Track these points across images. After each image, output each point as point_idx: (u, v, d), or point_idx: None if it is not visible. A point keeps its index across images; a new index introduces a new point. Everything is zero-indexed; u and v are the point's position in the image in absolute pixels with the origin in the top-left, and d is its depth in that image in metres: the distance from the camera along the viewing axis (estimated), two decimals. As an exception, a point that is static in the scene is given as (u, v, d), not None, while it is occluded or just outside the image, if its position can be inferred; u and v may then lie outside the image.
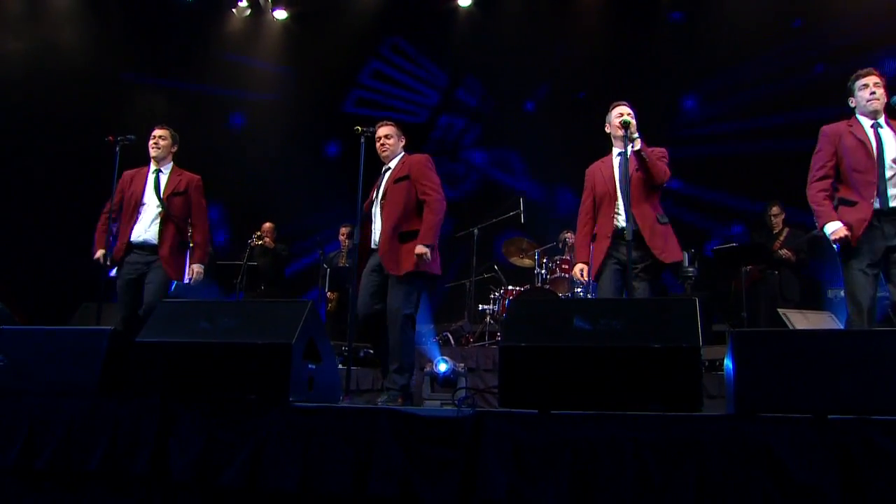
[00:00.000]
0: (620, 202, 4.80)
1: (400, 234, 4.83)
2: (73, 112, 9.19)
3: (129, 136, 5.38)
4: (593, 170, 5.09)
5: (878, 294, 4.46)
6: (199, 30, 10.46)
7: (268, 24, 10.73)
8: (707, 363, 6.52)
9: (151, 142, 5.55)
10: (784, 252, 7.52)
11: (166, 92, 10.28)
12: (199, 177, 5.65)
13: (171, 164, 5.61)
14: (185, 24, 10.30)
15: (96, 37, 9.80)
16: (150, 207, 5.42)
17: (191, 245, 5.59)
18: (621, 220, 4.80)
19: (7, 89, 9.07)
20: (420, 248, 4.72)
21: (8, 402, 3.49)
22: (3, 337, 3.75)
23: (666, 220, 4.87)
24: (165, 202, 5.41)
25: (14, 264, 8.60)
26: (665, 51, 9.53)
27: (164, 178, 5.52)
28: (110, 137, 5.31)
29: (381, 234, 4.86)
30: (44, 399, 3.44)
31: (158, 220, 5.39)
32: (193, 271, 5.49)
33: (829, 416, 2.68)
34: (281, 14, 10.63)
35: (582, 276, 5.03)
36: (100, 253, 5.44)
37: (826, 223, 4.45)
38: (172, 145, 5.63)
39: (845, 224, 4.37)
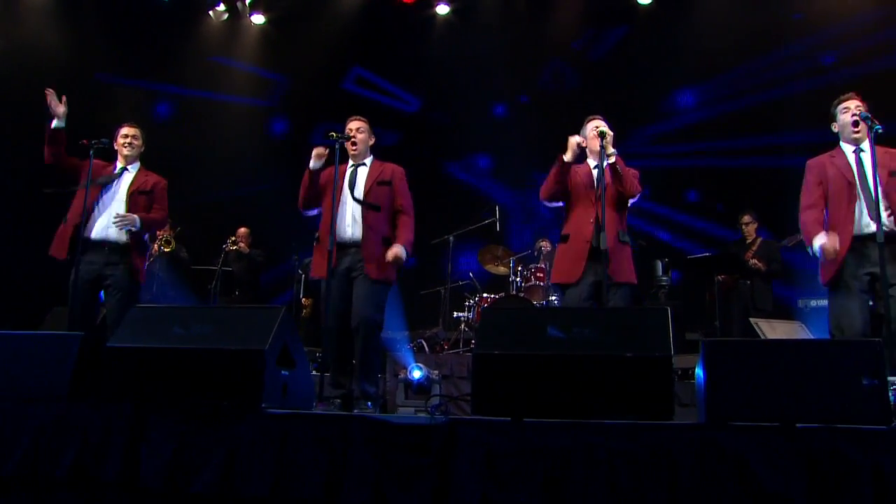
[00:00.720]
0: (598, 213, 4.79)
1: (383, 237, 4.94)
2: (44, 113, 9.08)
3: (103, 140, 5.27)
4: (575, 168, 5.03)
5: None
6: (177, 32, 10.38)
7: (245, 28, 10.67)
8: (680, 372, 6.58)
9: (123, 141, 5.41)
10: (754, 262, 7.59)
11: (142, 93, 10.18)
12: (165, 180, 5.54)
13: (138, 164, 5.49)
14: (163, 26, 10.22)
15: (71, 36, 9.69)
16: (113, 204, 5.24)
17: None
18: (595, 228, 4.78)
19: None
20: (401, 251, 4.85)
21: (-25, 407, 3.45)
22: (-28, 341, 3.69)
23: (626, 238, 4.89)
24: (129, 200, 5.26)
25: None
26: (646, 54, 9.60)
27: (128, 177, 5.37)
28: (84, 141, 5.21)
29: (364, 234, 4.88)
30: (12, 405, 3.39)
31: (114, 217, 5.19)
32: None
33: (798, 425, 2.73)
34: (259, 18, 10.58)
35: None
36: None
37: (812, 239, 4.49)
38: (142, 146, 5.51)
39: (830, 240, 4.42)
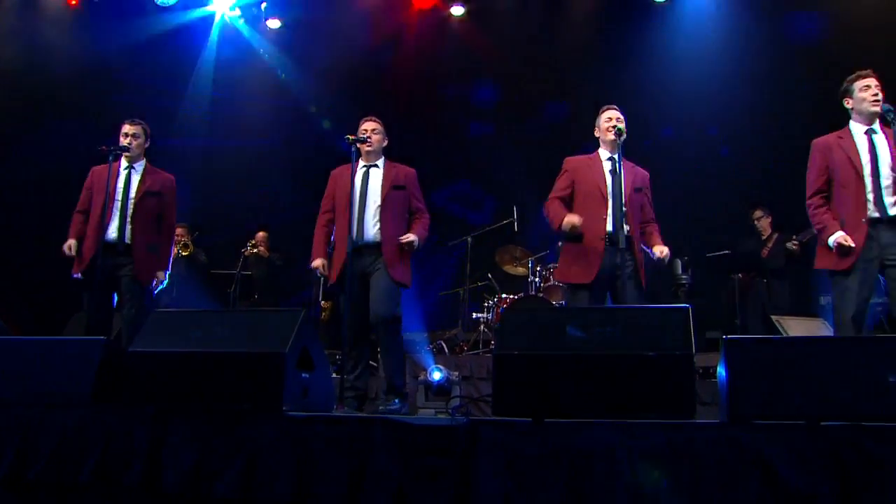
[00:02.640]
0: (610, 209, 4.78)
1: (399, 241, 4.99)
2: (65, 119, 9.17)
3: (122, 146, 5.32)
4: (577, 164, 5.02)
5: (872, 300, 4.47)
6: (194, 37, 10.43)
7: (262, 32, 10.71)
8: (701, 370, 6.53)
9: (125, 141, 5.36)
10: (793, 244, 7.40)
11: (159, 95, 10.22)
12: (172, 177, 5.53)
13: (143, 162, 5.46)
14: (178, 30, 10.27)
15: (89, 41, 9.77)
16: (122, 206, 5.26)
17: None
18: (610, 225, 4.76)
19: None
20: (413, 238, 4.95)
21: (0, 413, 3.47)
22: (-4, 348, 3.73)
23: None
24: (138, 202, 5.28)
25: (7, 276, 8.56)
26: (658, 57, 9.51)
27: (136, 177, 5.36)
28: (103, 147, 5.25)
29: (384, 238, 4.94)
30: (36, 410, 3.42)
31: (129, 220, 5.24)
32: (157, 278, 5.33)
33: (822, 423, 2.69)
34: (275, 23, 10.62)
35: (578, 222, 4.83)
36: (70, 242, 5.25)
37: (829, 236, 4.45)
38: (146, 141, 5.47)
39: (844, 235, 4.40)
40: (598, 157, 5.00)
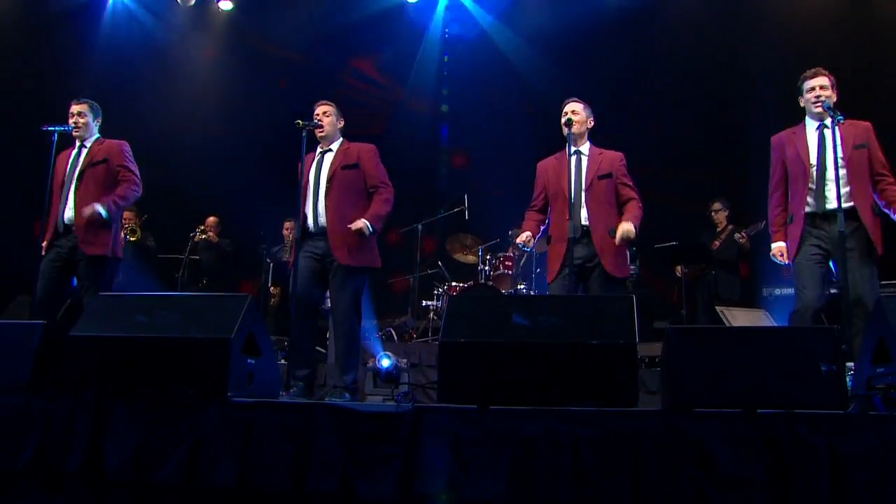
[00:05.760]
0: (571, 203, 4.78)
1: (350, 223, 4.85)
2: (4, 98, 8.92)
3: (66, 126, 5.21)
4: (546, 166, 5.02)
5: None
6: (142, 17, 10.22)
7: (213, 13, 10.54)
8: (647, 360, 6.65)
9: (70, 120, 5.25)
10: (740, 237, 7.56)
11: (105, 75, 9.98)
12: (121, 142, 5.32)
13: (94, 137, 5.33)
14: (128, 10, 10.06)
15: (29, 15, 9.51)
16: (75, 185, 5.15)
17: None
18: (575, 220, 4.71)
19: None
20: (362, 223, 4.76)
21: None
22: (-69, 331, 3.63)
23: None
24: (80, 176, 5.14)
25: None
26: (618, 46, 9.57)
27: (84, 153, 5.25)
28: (45, 127, 5.13)
29: (328, 221, 4.85)
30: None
31: (74, 196, 5.10)
32: (92, 207, 4.98)
33: (759, 411, 2.77)
34: (226, 5, 10.45)
35: (524, 240, 4.93)
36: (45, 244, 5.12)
37: (772, 242, 4.71)
38: (95, 119, 5.34)
39: (786, 245, 4.60)
40: (565, 153, 4.91)
